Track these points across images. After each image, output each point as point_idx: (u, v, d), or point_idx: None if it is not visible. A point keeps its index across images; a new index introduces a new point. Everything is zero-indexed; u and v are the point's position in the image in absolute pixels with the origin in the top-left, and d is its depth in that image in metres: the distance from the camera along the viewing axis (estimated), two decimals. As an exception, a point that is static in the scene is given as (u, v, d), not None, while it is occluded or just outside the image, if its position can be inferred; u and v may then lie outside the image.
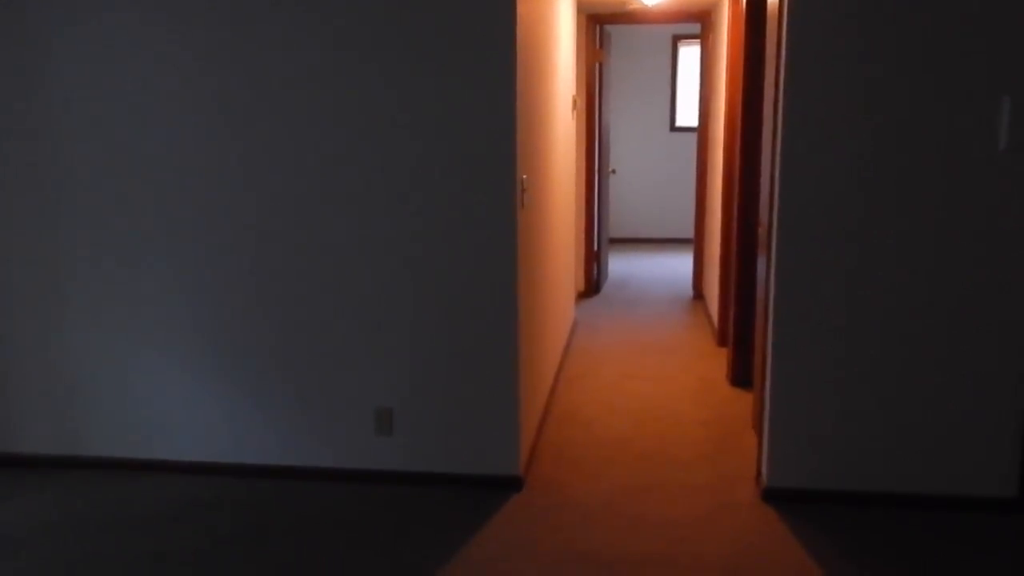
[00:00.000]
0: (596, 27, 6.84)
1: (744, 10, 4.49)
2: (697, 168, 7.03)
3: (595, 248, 7.21)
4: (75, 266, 3.58)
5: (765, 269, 3.41)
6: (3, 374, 3.72)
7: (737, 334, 4.74)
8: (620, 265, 8.54)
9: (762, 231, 3.51)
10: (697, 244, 7.16)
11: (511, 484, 3.47)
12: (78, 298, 3.61)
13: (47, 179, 3.53)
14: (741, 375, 4.74)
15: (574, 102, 5.96)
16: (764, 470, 3.40)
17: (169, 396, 3.63)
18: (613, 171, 8.25)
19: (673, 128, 9.90)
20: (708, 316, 6.41)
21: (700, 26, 6.87)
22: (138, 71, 3.38)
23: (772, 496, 3.35)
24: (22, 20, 3.40)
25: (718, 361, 5.28)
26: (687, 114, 9.69)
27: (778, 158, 3.17)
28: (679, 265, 8.38)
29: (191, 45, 3.33)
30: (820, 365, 3.24)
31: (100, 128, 3.45)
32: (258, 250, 3.45)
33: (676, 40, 9.67)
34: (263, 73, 3.31)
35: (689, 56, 9.61)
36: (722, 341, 5.51)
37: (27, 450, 3.76)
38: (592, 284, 7.23)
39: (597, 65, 6.92)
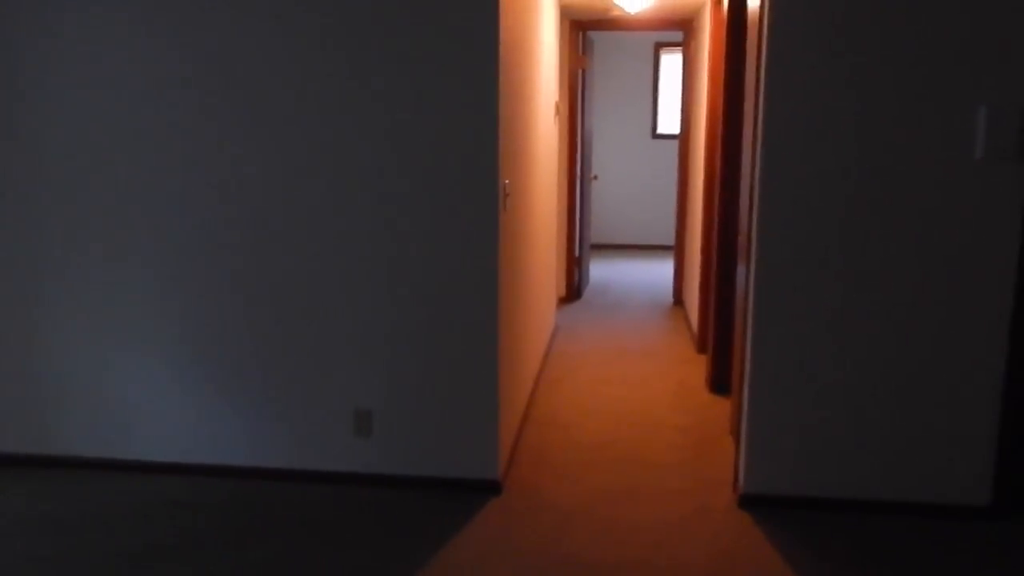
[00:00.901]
0: (579, 33, 6.86)
1: (726, 18, 4.53)
2: (678, 175, 7.07)
3: (576, 253, 7.23)
4: (54, 265, 3.56)
5: (744, 277, 3.43)
6: (-23, 374, 3.69)
7: (716, 340, 4.76)
8: (601, 271, 8.57)
9: (742, 239, 3.53)
10: (678, 251, 7.20)
11: (490, 488, 3.47)
12: (56, 297, 3.58)
13: (27, 177, 3.50)
14: (720, 381, 4.76)
15: (557, 108, 5.98)
16: (741, 476, 3.42)
17: (146, 396, 3.61)
18: (595, 177, 8.28)
19: (655, 135, 9.95)
20: (688, 322, 6.44)
21: (682, 34, 6.91)
22: (124, 70, 3.37)
23: (748, 502, 3.37)
24: (4, 14, 3.37)
25: (697, 367, 5.31)
26: (669, 121, 9.75)
27: (758, 166, 3.19)
28: (660, 271, 8.41)
29: (176, 45, 3.32)
30: (798, 372, 3.27)
31: (82, 127, 3.43)
32: (238, 251, 3.44)
33: (658, 47, 9.73)
34: (249, 76, 3.30)
35: (671, 63, 9.67)
36: (701, 347, 5.54)
37: (3, 448, 3.73)
38: (573, 289, 7.25)
39: (580, 71, 6.95)
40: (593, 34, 7.48)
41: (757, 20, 3.26)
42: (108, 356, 3.60)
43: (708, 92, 5.33)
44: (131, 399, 3.62)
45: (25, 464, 3.70)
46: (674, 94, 9.32)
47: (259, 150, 3.35)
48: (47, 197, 3.50)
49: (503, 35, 3.26)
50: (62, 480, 3.58)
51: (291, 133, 3.33)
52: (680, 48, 7.30)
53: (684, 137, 6.92)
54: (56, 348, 3.62)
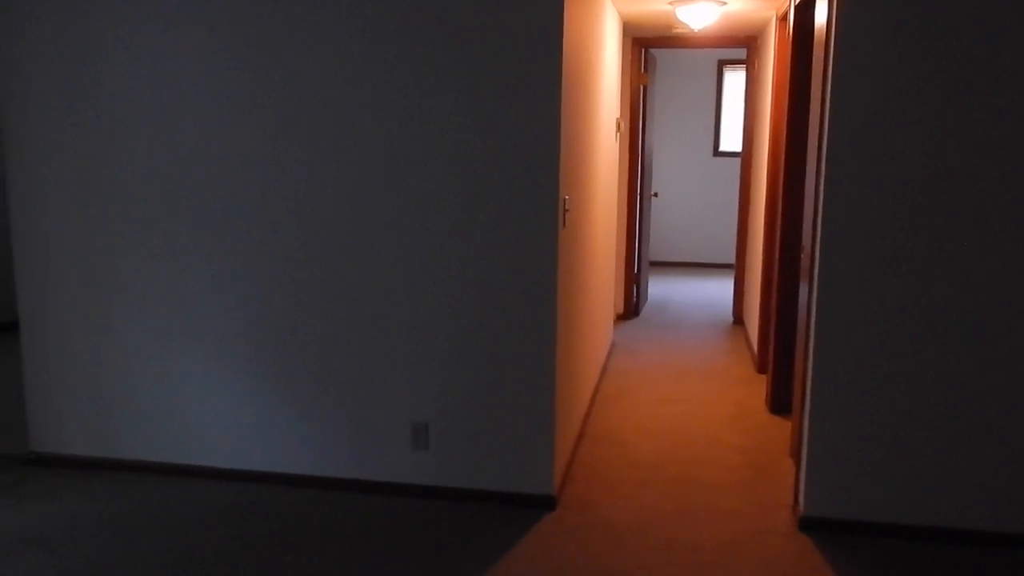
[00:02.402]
0: (641, 50, 6.86)
1: (791, 36, 4.49)
2: (740, 193, 7.00)
3: (635, 270, 7.20)
4: (122, 272, 3.67)
5: (807, 296, 3.38)
6: (48, 376, 3.82)
7: (777, 361, 4.69)
8: (660, 288, 8.51)
9: (804, 258, 3.48)
10: (738, 269, 7.12)
11: (545, 503, 3.47)
12: (124, 304, 3.69)
13: (98, 185, 3.62)
14: (780, 402, 4.69)
15: (618, 125, 5.97)
16: (801, 498, 3.36)
17: (209, 403, 3.69)
18: (655, 194, 8.24)
19: (716, 152, 9.87)
20: (748, 342, 6.36)
21: (746, 51, 6.86)
22: (195, 79, 3.47)
23: (809, 525, 3.31)
24: (85, 23, 3.51)
25: (757, 387, 5.23)
26: (731, 139, 9.66)
27: (822, 185, 3.15)
28: (719, 290, 8.33)
29: (247, 61, 3.42)
30: (861, 393, 3.21)
31: (152, 139, 3.54)
32: (302, 263, 3.51)
33: (721, 64, 9.66)
34: (317, 91, 3.38)
35: (734, 81, 9.59)
36: (761, 367, 5.46)
37: (68, 451, 3.85)
38: (631, 306, 7.21)
39: (641, 88, 6.94)
40: (655, 51, 7.46)
41: (823, 37, 3.23)
42: (173, 364, 3.69)
43: (771, 110, 5.28)
44: (194, 406, 3.71)
45: (91, 467, 3.81)
46: (737, 112, 9.25)
47: (322, 165, 3.42)
48: (119, 204, 3.62)
49: (566, 52, 3.28)
50: (127, 484, 3.68)
51: (354, 149, 3.39)
52: (743, 65, 7.24)
53: (746, 155, 6.85)
54: (123, 356, 3.73)
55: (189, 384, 3.70)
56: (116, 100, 3.54)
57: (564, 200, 3.42)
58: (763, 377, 5.31)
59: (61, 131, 3.61)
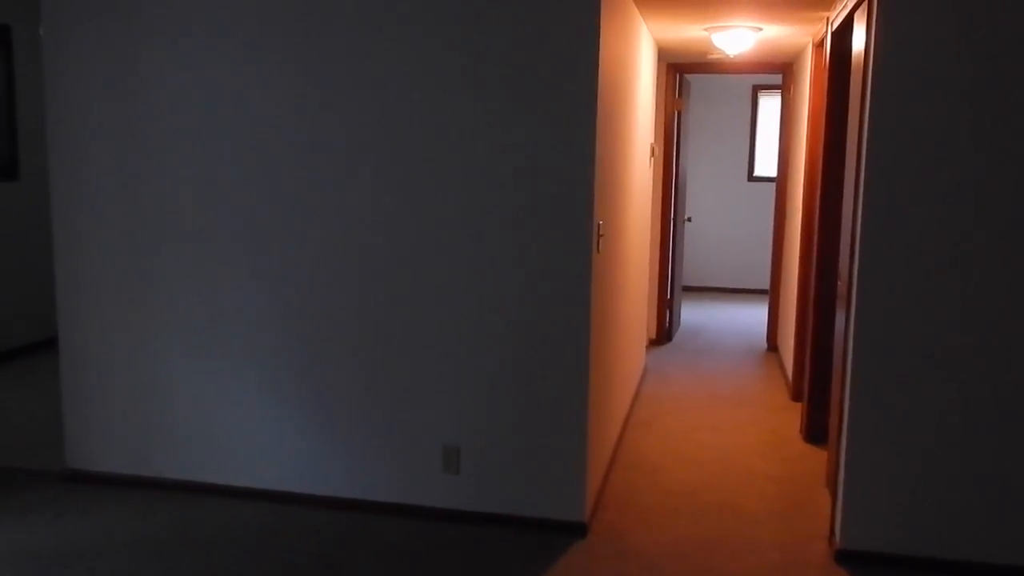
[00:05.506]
0: (676, 76, 6.86)
1: (827, 61, 4.46)
2: (775, 218, 6.95)
3: (668, 296, 7.15)
4: (159, 291, 3.71)
5: (844, 324, 3.34)
6: (85, 393, 3.86)
7: (812, 389, 4.63)
8: (693, 314, 8.45)
9: (842, 285, 3.44)
10: (773, 295, 7.05)
11: (575, 530, 3.44)
12: (161, 322, 3.73)
13: (139, 205, 3.67)
14: (816, 431, 4.62)
15: (652, 150, 5.97)
16: (838, 530, 3.29)
17: (244, 423, 3.71)
18: (689, 219, 8.21)
19: (751, 178, 9.82)
20: (782, 369, 6.28)
21: (781, 76, 6.83)
22: (238, 98, 3.52)
23: (846, 558, 3.24)
24: (126, 36, 3.58)
25: (792, 416, 5.16)
26: (766, 164, 9.61)
27: (860, 211, 3.12)
28: (753, 316, 8.24)
29: (290, 79, 3.46)
30: (899, 423, 3.15)
31: (194, 157, 3.59)
32: (340, 287, 3.53)
33: (756, 90, 9.63)
34: (355, 112, 3.41)
35: (769, 106, 9.55)
36: (796, 396, 5.39)
37: (105, 468, 3.88)
38: (664, 332, 7.16)
39: (676, 113, 6.93)
40: (690, 76, 7.46)
41: (861, 63, 3.20)
42: (210, 384, 3.72)
43: (807, 135, 5.25)
44: (229, 426, 3.72)
45: (127, 485, 3.83)
46: (772, 137, 9.19)
47: (360, 191, 3.45)
48: (162, 224, 3.66)
49: (601, 78, 3.29)
50: (161, 502, 3.70)
51: (391, 173, 3.41)
52: (779, 91, 7.21)
53: (781, 180, 6.81)
54: (160, 374, 3.77)
55: (225, 404, 3.72)
56: (159, 117, 3.59)
57: (598, 225, 3.41)
58: (798, 405, 5.24)
59: (103, 147, 3.67)
